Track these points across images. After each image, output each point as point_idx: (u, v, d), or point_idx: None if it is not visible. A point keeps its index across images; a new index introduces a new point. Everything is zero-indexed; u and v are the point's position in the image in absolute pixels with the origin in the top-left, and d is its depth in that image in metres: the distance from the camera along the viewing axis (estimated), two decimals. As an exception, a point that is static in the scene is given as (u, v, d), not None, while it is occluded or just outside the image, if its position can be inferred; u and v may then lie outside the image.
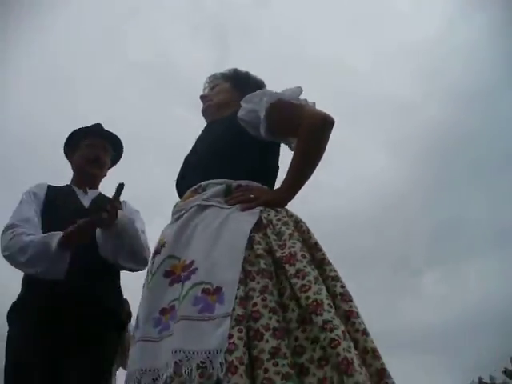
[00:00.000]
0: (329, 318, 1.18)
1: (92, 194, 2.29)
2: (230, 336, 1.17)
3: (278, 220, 1.46)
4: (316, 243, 1.44)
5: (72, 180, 2.35)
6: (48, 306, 1.91)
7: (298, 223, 1.50)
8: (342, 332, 1.16)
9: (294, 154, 1.60)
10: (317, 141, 1.56)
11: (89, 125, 2.36)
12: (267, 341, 1.16)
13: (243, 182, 1.58)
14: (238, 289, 1.26)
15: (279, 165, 1.77)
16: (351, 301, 1.30)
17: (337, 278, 1.35)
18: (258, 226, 1.43)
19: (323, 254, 1.41)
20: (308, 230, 1.48)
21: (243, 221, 1.44)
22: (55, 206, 2.14)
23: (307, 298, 1.23)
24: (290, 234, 1.40)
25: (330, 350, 1.13)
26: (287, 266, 1.30)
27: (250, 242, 1.37)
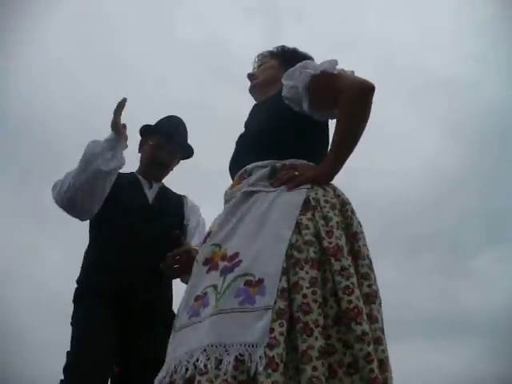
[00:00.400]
0: (367, 329, 1.16)
1: (156, 186, 2.28)
2: (271, 330, 1.14)
3: (326, 202, 1.41)
4: (356, 233, 1.40)
5: (138, 169, 2.34)
6: (106, 295, 1.95)
7: (343, 206, 1.45)
8: (375, 341, 1.16)
9: (336, 126, 1.55)
10: (358, 109, 1.51)
11: (163, 119, 2.34)
12: (316, 338, 1.14)
13: (288, 162, 1.54)
14: (280, 281, 1.22)
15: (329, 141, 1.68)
16: (374, 303, 1.27)
17: (366, 276, 1.31)
18: (306, 207, 1.38)
19: (359, 247, 1.37)
20: (351, 217, 1.44)
21: (289, 205, 1.40)
22: (120, 193, 2.12)
23: (349, 301, 1.20)
24: (337, 222, 1.36)
25: (364, 364, 1.12)
26: (333, 260, 1.27)
27: (298, 227, 1.33)
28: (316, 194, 1.43)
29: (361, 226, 1.46)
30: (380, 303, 1.33)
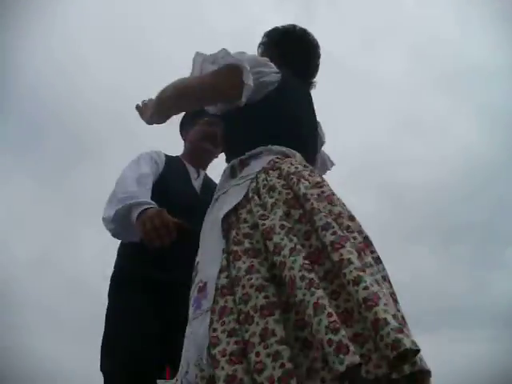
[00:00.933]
0: (301, 296, 1.09)
1: (202, 175, 2.24)
2: (214, 330, 1.15)
3: (264, 186, 1.39)
4: (305, 194, 1.31)
5: (183, 155, 2.30)
6: (148, 281, 1.93)
7: (288, 176, 1.39)
8: (314, 305, 1.06)
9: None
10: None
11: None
12: (257, 323, 1.11)
13: (247, 154, 1.54)
14: (218, 279, 1.24)
15: (285, 116, 1.64)
16: (343, 247, 1.16)
17: (326, 226, 1.22)
18: (246, 199, 1.38)
19: (312, 204, 1.28)
20: (298, 182, 1.35)
21: (229, 202, 1.41)
22: (168, 181, 2.08)
23: (285, 276, 1.16)
24: (272, 204, 1.32)
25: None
26: (267, 242, 1.24)
27: (238, 221, 1.34)
28: (257, 183, 1.42)
29: (315, 187, 1.38)
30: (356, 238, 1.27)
